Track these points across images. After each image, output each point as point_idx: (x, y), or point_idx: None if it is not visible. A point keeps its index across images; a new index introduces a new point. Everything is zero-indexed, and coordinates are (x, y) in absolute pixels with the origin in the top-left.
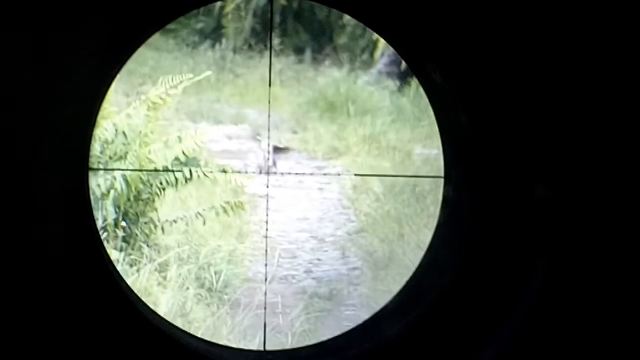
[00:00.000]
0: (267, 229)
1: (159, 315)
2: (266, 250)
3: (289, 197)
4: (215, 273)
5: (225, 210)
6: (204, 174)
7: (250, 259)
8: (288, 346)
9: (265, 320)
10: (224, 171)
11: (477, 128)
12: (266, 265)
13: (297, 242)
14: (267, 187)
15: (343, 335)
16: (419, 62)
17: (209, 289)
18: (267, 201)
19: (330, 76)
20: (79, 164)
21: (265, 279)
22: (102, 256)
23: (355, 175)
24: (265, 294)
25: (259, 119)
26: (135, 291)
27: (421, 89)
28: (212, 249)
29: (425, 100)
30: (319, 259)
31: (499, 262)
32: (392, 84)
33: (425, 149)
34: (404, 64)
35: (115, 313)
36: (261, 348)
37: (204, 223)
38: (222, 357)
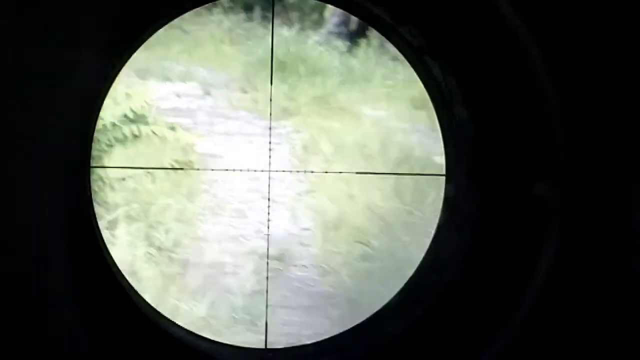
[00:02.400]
0: (268, 227)
1: (160, 314)
2: (267, 253)
3: (239, 157)
4: (165, 232)
5: (174, 169)
6: (153, 132)
7: (200, 218)
8: (239, 305)
9: (266, 321)
10: (173, 129)
11: (479, 126)
12: (267, 263)
13: (248, 202)
14: (269, 186)
15: (343, 335)
16: (420, 57)
17: (159, 248)
18: (268, 199)
19: (280, 35)
20: (79, 163)
21: (266, 279)
22: (102, 255)
23: (357, 173)
24: (266, 297)
25: (208, 77)
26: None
27: (371, 50)
28: (162, 207)
29: (374, 61)
30: (269, 219)
31: (499, 262)
32: (342, 44)
33: (374, 110)
34: (353, 24)
35: (116, 312)
36: (231, 325)
37: (153, 181)
38: (223, 354)
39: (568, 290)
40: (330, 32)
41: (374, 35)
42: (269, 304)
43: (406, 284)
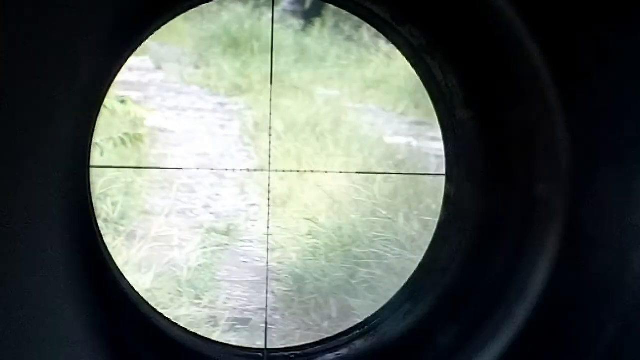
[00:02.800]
0: (268, 227)
1: (160, 314)
2: (267, 251)
3: (190, 132)
4: (112, 204)
5: (123, 142)
6: (103, 104)
7: (148, 192)
8: (184, 279)
9: (266, 320)
10: (123, 102)
11: (479, 126)
12: (267, 265)
13: (197, 177)
14: (269, 186)
15: (343, 335)
16: (420, 57)
17: (105, 220)
18: (269, 206)
19: (234, 12)
20: (79, 163)
21: (266, 278)
22: (102, 255)
23: (357, 173)
24: (267, 294)
25: (161, 51)
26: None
27: (325, 30)
28: (110, 180)
29: (328, 40)
30: (217, 194)
31: (500, 262)
32: (296, 23)
33: (327, 89)
34: (308, 3)
35: (116, 312)
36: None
37: (102, 154)
38: (222, 354)
39: (569, 290)
40: (285, 10)
41: (329, 14)
42: (214, 277)
43: (406, 284)
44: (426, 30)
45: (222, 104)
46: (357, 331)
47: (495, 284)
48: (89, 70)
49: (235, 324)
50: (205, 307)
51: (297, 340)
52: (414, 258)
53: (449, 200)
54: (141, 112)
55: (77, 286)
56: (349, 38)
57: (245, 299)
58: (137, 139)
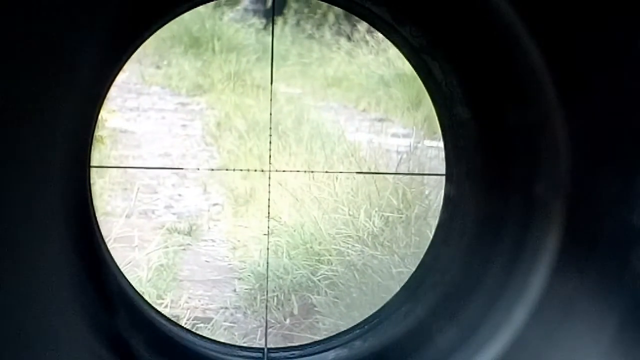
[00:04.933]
0: (268, 226)
1: (160, 313)
2: (267, 250)
3: (151, 133)
4: None
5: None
6: None
7: (109, 193)
8: (145, 279)
9: (266, 319)
10: None
11: (479, 126)
12: (267, 264)
13: (158, 178)
14: (269, 185)
15: (343, 334)
16: (420, 57)
17: None
18: (269, 199)
19: (195, 11)
20: (79, 163)
21: (267, 283)
22: (103, 255)
23: (358, 173)
24: (267, 296)
25: None
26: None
27: (287, 28)
28: None
29: (290, 39)
30: (180, 195)
31: (500, 262)
32: (258, 22)
33: (289, 87)
34: (269, 2)
35: (116, 312)
36: None
37: None
38: (222, 354)
39: (569, 290)
40: (246, 9)
41: (290, 13)
42: (176, 277)
43: (406, 284)
44: (426, 30)
45: (183, 104)
46: (357, 331)
47: (495, 284)
48: (89, 71)
49: (197, 323)
50: (167, 306)
51: (259, 337)
52: (376, 254)
53: (449, 200)
54: (102, 114)
55: (77, 285)
56: (310, 36)
57: (207, 298)
58: (97, 140)
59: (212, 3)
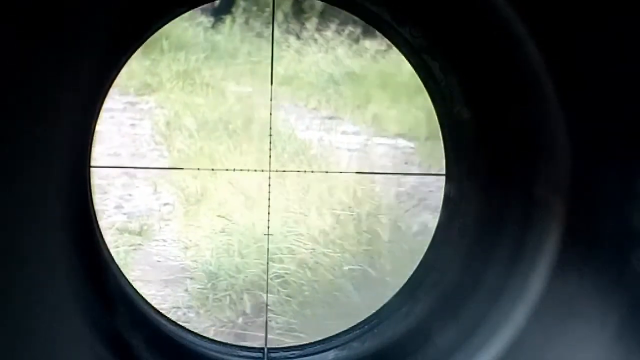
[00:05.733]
0: (268, 227)
1: (160, 313)
2: (267, 250)
3: (100, 133)
4: None
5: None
6: None
7: None
8: None
9: (266, 319)
10: None
11: (479, 126)
12: (267, 264)
13: (108, 178)
14: (269, 185)
15: (343, 334)
16: (420, 56)
17: None
18: (269, 199)
19: None
20: (79, 163)
21: (267, 282)
22: (103, 255)
23: (357, 173)
24: (267, 296)
25: None
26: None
27: (236, 27)
28: None
29: (239, 37)
30: (130, 195)
31: (500, 262)
32: (206, 20)
33: (239, 86)
34: (218, 1)
35: (116, 312)
36: None
37: None
38: (223, 354)
39: (569, 290)
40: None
41: (238, 12)
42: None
43: (406, 284)
44: (426, 30)
45: (132, 103)
46: (357, 331)
47: (495, 284)
48: (89, 71)
49: None
50: None
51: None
52: (327, 252)
53: (449, 200)
54: None
55: (77, 285)
56: (259, 35)
57: (159, 298)
58: None
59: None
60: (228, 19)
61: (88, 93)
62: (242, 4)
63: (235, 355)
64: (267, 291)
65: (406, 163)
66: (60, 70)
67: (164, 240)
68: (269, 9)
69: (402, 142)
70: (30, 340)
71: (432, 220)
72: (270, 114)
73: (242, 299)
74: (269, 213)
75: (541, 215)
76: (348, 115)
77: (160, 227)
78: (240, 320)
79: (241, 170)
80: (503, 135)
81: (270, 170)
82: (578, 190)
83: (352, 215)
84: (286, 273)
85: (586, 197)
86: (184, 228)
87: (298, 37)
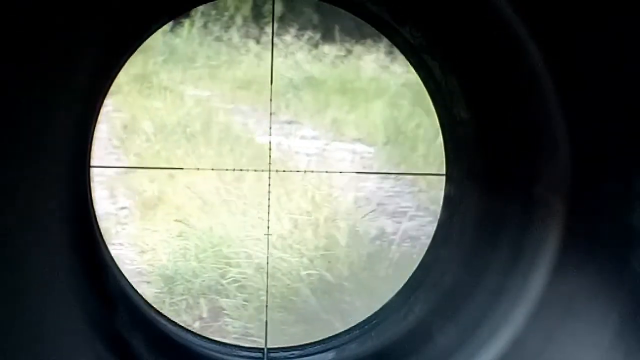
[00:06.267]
0: (268, 227)
1: (160, 313)
2: (268, 248)
3: None
4: None
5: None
6: None
7: None
8: None
9: (266, 319)
10: None
11: (479, 126)
12: (267, 264)
13: None
14: (269, 185)
15: (343, 334)
16: (420, 56)
17: None
18: (269, 199)
19: None
20: (79, 163)
21: (267, 288)
22: (103, 255)
23: (357, 173)
24: (267, 296)
25: None
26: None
27: (194, 30)
28: None
29: (197, 41)
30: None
31: (500, 262)
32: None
33: (197, 90)
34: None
35: (116, 312)
36: None
37: None
38: (223, 354)
39: (569, 290)
40: None
41: (197, 15)
42: None
43: (406, 284)
44: (426, 30)
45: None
46: (357, 331)
47: (495, 283)
48: (89, 72)
49: None
50: None
51: None
52: (284, 256)
53: (449, 200)
54: None
55: (77, 285)
56: (218, 39)
57: None
58: None
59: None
60: (187, 22)
61: (88, 94)
62: (200, 7)
63: (235, 355)
64: (267, 292)
65: (364, 168)
66: (60, 71)
67: (121, 244)
68: (227, 13)
69: (360, 147)
70: (30, 340)
71: (390, 225)
72: (271, 113)
73: (198, 303)
74: (268, 213)
75: (541, 215)
76: (307, 120)
77: (117, 231)
78: (197, 324)
79: (241, 170)
80: (503, 135)
81: (270, 170)
82: (578, 190)
83: (310, 219)
84: (243, 278)
85: (586, 197)
86: (141, 232)
87: (257, 42)
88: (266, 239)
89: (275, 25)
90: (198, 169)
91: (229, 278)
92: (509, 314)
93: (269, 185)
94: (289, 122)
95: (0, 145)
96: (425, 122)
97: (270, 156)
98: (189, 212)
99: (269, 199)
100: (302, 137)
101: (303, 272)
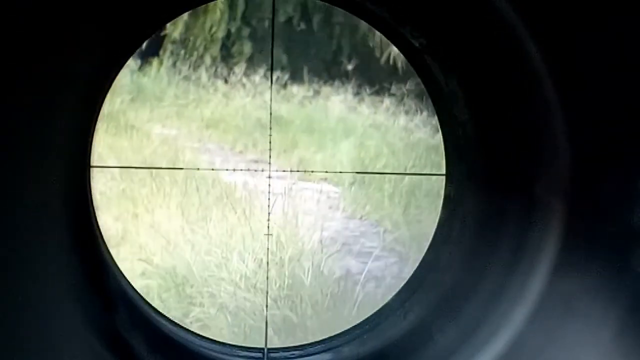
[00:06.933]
0: (268, 227)
1: (160, 313)
2: (267, 250)
3: None
4: None
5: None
6: None
7: None
8: None
9: (266, 320)
10: None
11: (479, 126)
12: (267, 277)
13: None
14: (269, 185)
15: (343, 334)
16: (420, 57)
17: None
18: (269, 199)
19: None
20: (79, 163)
21: (267, 292)
22: (103, 254)
23: (358, 173)
24: (267, 301)
25: None
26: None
27: (163, 69)
28: None
29: (166, 80)
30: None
31: (500, 262)
32: (133, 63)
33: (164, 129)
34: (145, 44)
35: (116, 313)
36: None
37: None
38: (223, 354)
39: (569, 290)
40: None
41: (166, 55)
42: None
43: (406, 284)
44: (426, 30)
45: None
46: (357, 331)
47: (495, 283)
48: (89, 72)
49: None
50: None
51: None
52: (248, 297)
53: (449, 200)
54: None
55: (77, 285)
56: (186, 78)
57: None
58: None
59: None
60: (155, 61)
61: (88, 94)
62: (169, 47)
63: (235, 356)
64: (267, 292)
65: (330, 208)
66: (60, 71)
67: None
68: (197, 53)
69: (326, 187)
70: (31, 340)
71: (355, 265)
72: (271, 113)
73: None
74: (269, 213)
75: (541, 215)
76: (274, 160)
77: None
78: None
79: (241, 170)
80: (503, 135)
81: (270, 170)
82: (578, 190)
83: (274, 259)
84: (206, 317)
85: (586, 197)
86: None
87: (226, 81)
88: (231, 279)
89: (244, 65)
90: (198, 169)
91: (192, 317)
92: (509, 314)
93: (269, 185)
94: (255, 162)
95: (0, 145)
96: (392, 163)
97: (270, 156)
98: (152, 251)
99: (269, 199)
100: (269, 177)
101: (267, 312)
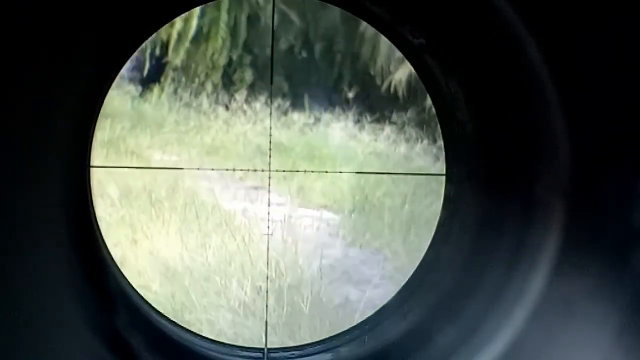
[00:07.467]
0: (268, 227)
1: (160, 313)
2: (267, 249)
3: None
4: None
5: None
6: None
7: None
8: None
9: (266, 320)
10: None
11: (479, 126)
12: (267, 278)
13: None
14: (269, 185)
15: (343, 334)
16: (420, 57)
17: None
18: (269, 199)
19: None
20: (79, 164)
21: (267, 291)
22: (102, 254)
23: (358, 173)
24: (267, 296)
25: None
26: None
27: (164, 96)
28: None
29: (166, 107)
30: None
31: (500, 262)
32: (134, 89)
33: (164, 155)
34: (147, 70)
35: (116, 312)
36: None
37: None
38: (223, 354)
39: (568, 290)
40: (122, 77)
41: (167, 81)
42: None
43: (406, 284)
44: (426, 30)
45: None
46: (357, 331)
47: (495, 283)
48: (88, 72)
49: None
50: None
51: None
52: (247, 323)
53: (449, 200)
54: None
55: (77, 285)
56: (187, 104)
57: None
58: None
59: None
60: (156, 88)
61: (88, 94)
62: (171, 73)
63: (235, 355)
64: (267, 291)
65: (330, 235)
66: (60, 72)
67: None
68: (198, 80)
69: (326, 214)
70: (31, 340)
71: (354, 293)
72: (271, 113)
73: None
74: (269, 213)
75: (541, 215)
76: (274, 186)
77: None
78: None
79: (241, 170)
80: (503, 135)
81: (270, 170)
82: (578, 190)
83: (273, 287)
84: None
85: (586, 197)
86: None
87: (227, 108)
88: (230, 306)
89: (245, 92)
90: (199, 168)
91: None
92: (509, 314)
93: (269, 185)
94: (255, 188)
95: (0, 145)
96: (392, 191)
97: (270, 156)
98: (151, 278)
99: (269, 198)
100: (269, 204)
101: (265, 339)
